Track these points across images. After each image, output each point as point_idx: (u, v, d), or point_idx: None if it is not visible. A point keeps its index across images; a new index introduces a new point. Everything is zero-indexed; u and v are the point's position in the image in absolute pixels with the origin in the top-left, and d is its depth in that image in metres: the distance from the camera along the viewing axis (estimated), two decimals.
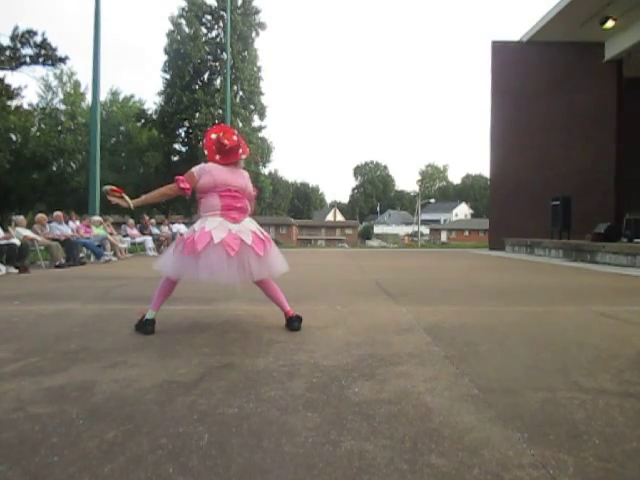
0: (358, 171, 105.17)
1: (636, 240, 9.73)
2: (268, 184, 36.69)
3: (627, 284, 6.17)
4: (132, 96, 37.73)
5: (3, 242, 7.56)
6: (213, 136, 3.32)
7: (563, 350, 2.70)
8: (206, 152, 3.34)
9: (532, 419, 1.73)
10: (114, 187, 3.21)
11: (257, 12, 33.24)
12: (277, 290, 3.40)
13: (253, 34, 33.32)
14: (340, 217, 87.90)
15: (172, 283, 3.22)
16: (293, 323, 3.29)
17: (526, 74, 14.46)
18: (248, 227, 3.19)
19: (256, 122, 34.27)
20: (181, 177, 3.20)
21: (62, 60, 22.16)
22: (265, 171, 37.01)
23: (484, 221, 40.60)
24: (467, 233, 69.48)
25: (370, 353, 2.61)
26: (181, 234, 16.03)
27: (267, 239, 3.24)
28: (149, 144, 33.41)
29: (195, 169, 3.24)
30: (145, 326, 3.12)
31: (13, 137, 32.39)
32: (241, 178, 3.30)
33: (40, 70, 31.09)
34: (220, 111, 30.47)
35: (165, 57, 32.33)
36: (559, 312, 3.96)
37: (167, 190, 3.22)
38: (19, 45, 21.08)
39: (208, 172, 3.19)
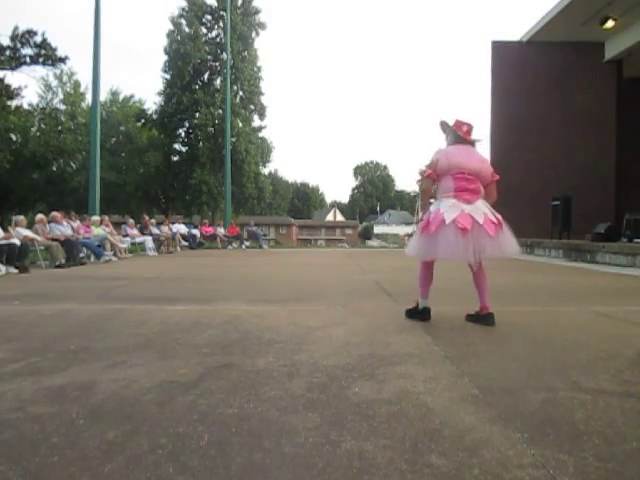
0: (358, 171, 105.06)
1: (636, 240, 9.72)
2: (268, 184, 36.70)
3: (627, 284, 6.17)
4: (132, 96, 37.84)
5: (3, 242, 7.56)
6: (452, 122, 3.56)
7: (563, 350, 2.70)
8: (457, 131, 3.48)
9: (532, 419, 1.73)
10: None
11: (257, 12, 33.27)
12: (485, 280, 3.45)
13: (253, 34, 33.34)
14: (340, 217, 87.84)
15: (428, 266, 3.43)
16: (487, 319, 3.33)
17: (526, 74, 14.45)
18: (480, 208, 3.28)
19: (256, 122, 34.32)
20: (425, 170, 3.46)
21: (62, 60, 22.20)
22: (265, 171, 37.02)
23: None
24: None
25: (370, 353, 2.61)
26: (181, 234, 16.01)
27: (499, 222, 3.30)
28: (149, 144, 33.43)
29: (434, 155, 3.43)
30: (423, 314, 3.42)
31: (13, 137, 32.41)
32: (477, 162, 3.41)
33: (40, 70, 31.12)
34: (220, 111, 30.47)
35: (165, 57, 32.36)
36: (559, 312, 3.96)
37: (428, 188, 3.44)
38: (19, 45, 21.11)
39: (444, 155, 3.38)
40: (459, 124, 3.48)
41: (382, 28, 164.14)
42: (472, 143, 3.48)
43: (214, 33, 33.19)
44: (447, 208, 3.20)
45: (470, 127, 3.48)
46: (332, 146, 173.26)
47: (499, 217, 3.32)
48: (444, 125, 3.56)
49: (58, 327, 3.31)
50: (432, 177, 3.36)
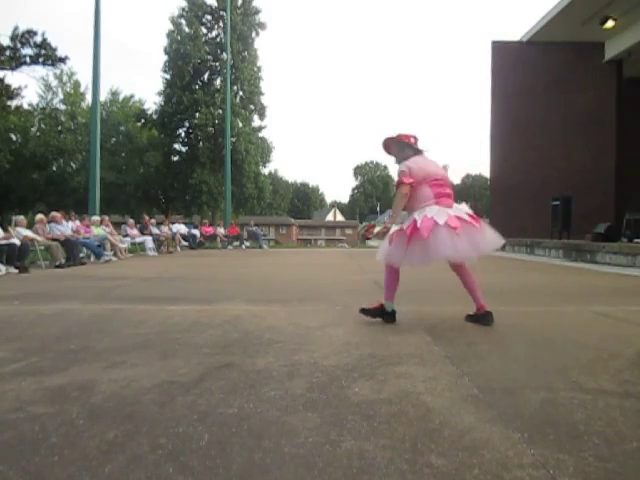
0: (358, 171, 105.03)
1: (636, 240, 9.72)
2: (268, 184, 36.69)
3: (627, 284, 6.17)
4: (132, 96, 37.82)
5: (3, 242, 7.56)
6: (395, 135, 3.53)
7: (563, 350, 2.70)
8: (407, 143, 3.47)
9: (532, 419, 1.73)
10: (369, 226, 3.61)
11: (257, 12, 33.27)
12: (473, 280, 3.42)
13: (253, 34, 33.34)
14: (340, 217, 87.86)
15: (396, 271, 3.38)
16: (486, 318, 3.32)
17: (526, 74, 14.45)
18: (461, 209, 3.31)
19: (256, 122, 34.31)
20: (400, 179, 3.33)
21: (62, 60, 22.21)
22: (265, 171, 37.01)
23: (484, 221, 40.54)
24: None
25: (370, 353, 2.61)
26: (181, 234, 16.00)
27: (477, 219, 3.30)
28: (149, 144, 33.42)
29: (404, 166, 3.35)
30: (392, 316, 3.39)
31: (13, 137, 32.41)
32: (438, 167, 3.44)
33: (40, 70, 31.12)
34: (220, 111, 30.48)
35: (165, 57, 32.35)
36: (559, 312, 3.96)
37: (405, 192, 3.31)
38: (19, 45, 21.11)
39: (415, 164, 3.34)
40: (407, 137, 3.47)
41: (382, 28, 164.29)
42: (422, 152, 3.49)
43: (214, 33, 33.19)
44: (435, 213, 3.18)
45: (416, 138, 3.50)
46: (332, 146, 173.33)
47: (476, 216, 3.35)
48: (392, 142, 3.51)
49: (58, 327, 3.31)
50: (413, 185, 3.31)
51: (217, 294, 4.94)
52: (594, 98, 13.60)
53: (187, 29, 32.03)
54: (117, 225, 14.39)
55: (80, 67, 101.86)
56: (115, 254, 10.50)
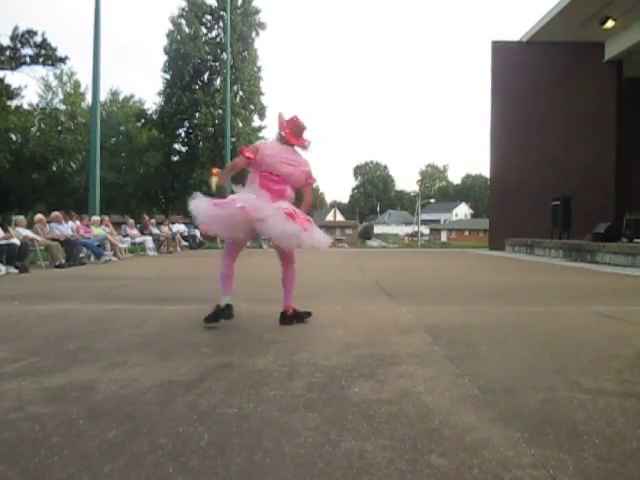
0: (358, 171, 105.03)
1: (636, 240, 9.72)
2: None
3: (627, 284, 6.17)
4: (132, 96, 37.83)
5: (3, 242, 7.55)
6: (287, 118, 3.43)
7: (563, 350, 2.70)
8: (280, 130, 3.40)
9: (532, 419, 1.73)
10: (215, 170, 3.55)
11: (257, 12, 33.23)
12: (291, 281, 3.53)
13: (253, 34, 33.30)
14: (340, 217, 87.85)
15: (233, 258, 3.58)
16: (284, 319, 3.42)
17: (526, 74, 14.45)
18: (279, 205, 3.17)
19: (256, 122, 34.21)
20: (245, 148, 3.38)
21: (62, 60, 22.18)
22: None
23: (484, 221, 40.54)
24: (467, 233, 69.39)
25: (370, 353, 2.61)
26: (181, 234, 15.96)
27: (297, 215, 3.17)
28: (149, 144, 33.41)
29: (259, 144, 3.42)
30: (226, 312, 3.39)
31: (13, 137, 32.41)
32: (290, 166, 3.31)
33: (40, 70, 31.04)
34: (220, 111, 30.44)
35: (165, 57, 32.33)
36: (559, 312, 3.96)
37: (237, 161, 3.35)
38: (19, 45, 21.08)
39: (262, 150, 3.29)
40: (289, 124, 3.37)
41: (382, 28, 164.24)
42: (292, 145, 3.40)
43: (214, 33, 33.16)
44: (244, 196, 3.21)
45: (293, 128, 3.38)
46: (332, 146, 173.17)
47: (303, 216, 3.27)
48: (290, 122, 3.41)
49: (58, 327, 3.31)
50: (250, 160, 3.25)
51: (217, 294, 4.93)
52: (594, 98, 13.60)
53: (187, 29, 32.00)
54: (117, 225, 14.37)
55: (80, 67, 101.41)
56: (115, 254, 10.49)
